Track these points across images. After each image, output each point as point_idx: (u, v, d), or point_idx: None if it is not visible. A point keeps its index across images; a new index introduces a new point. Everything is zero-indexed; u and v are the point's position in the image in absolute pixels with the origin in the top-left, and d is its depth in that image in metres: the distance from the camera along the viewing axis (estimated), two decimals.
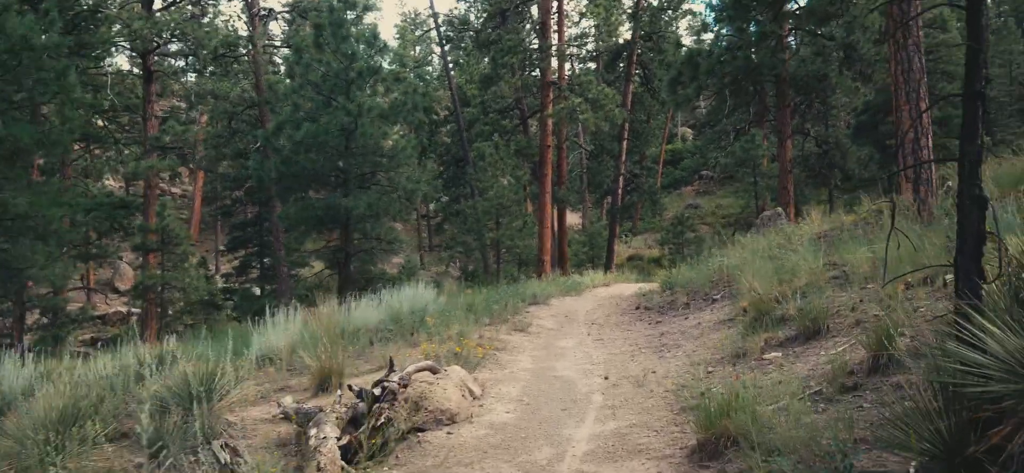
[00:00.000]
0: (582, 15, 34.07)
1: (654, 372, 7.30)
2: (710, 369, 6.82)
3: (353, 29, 17.44)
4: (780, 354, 6.49)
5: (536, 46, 28.49)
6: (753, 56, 21.20)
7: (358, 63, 16.75)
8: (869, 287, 7.54)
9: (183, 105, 38.59)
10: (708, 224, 48.67)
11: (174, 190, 54.53)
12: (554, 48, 27.01)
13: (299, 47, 17.30)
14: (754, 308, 7.98)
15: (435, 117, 49.73)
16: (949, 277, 6.49)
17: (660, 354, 8.36)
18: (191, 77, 35.48)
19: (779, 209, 17.75)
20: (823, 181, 36.05)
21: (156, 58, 29.19)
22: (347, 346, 8.37)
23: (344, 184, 17.21)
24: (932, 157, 12.29)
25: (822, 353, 6.05)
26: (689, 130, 69.85)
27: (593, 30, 43.14)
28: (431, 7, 52.52)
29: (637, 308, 12.69)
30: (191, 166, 37.38)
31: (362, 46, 16.96)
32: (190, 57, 29.80)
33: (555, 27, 28.90)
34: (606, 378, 7.36)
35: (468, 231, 25.97)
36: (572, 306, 14.51)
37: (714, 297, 11.01)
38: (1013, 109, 43.21)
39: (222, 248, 42.45)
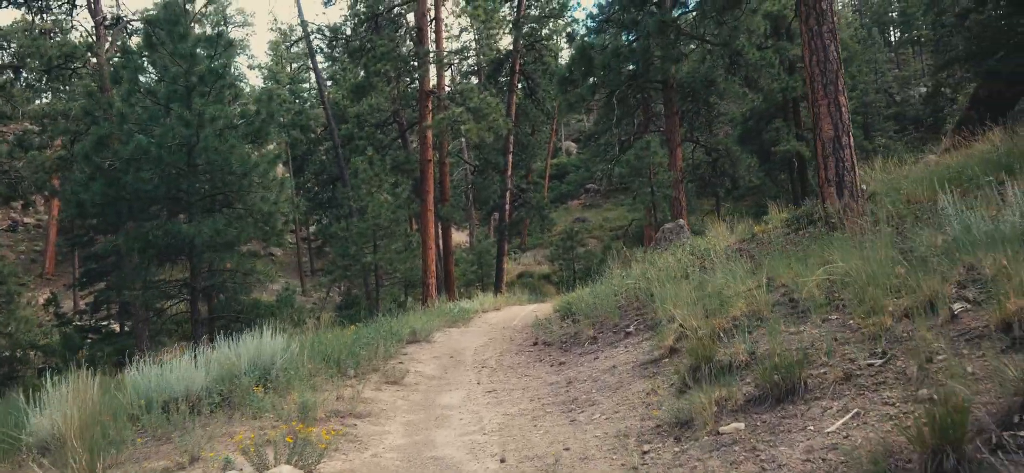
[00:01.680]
0: (460, 17, 32.13)
1: (567, 449, 5.36)
2: (646, 449, 4.93)
3: (195, 27, 14.87)
4: (743, 426, 4.65)
5: (412, 53, 26.36)
6: (655, 53, 19.70)
7: (199, 66, 14.21)
8: (834, 319, 5.88)
9: (36, 128, 34.39)
10: (596, 238, 47.86)
11: (27, 219, 49.27)
12: (432, 55, 24.99)
13: (126, 48, 14.57)
14: (689, 351, 6.17)
15: (312, 135, 46.81)
16: (957, 306, 4.88)
17: (571, 415, 6.44)
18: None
19: (681, 222, 16.36)
20: (709, 191, 35.53)
21: None
22: (124, 440, 6.07)
23: (187, 208, 14.60)
24: (854, 156, 11.01)
25: (810, 426, 4.25)
26: (573, 144, 69.43)
27: (473, 41, 41.50)
28: (300, 16, 49.35)
29: (535, 343, 10.78)
30: (40, 194, 33.11)
31: (202, 47, 14.41)
32: (16, 69, 26.02)
33: (433, 34, 26.93)
34: (503, 462, 5.36)
35: (343, 254, 23.51)
36: (459, 342, 12.47)
37: (626, 329, 9.23)
38: (888, 114, 44.37)
39: (76, 284, 38.17)
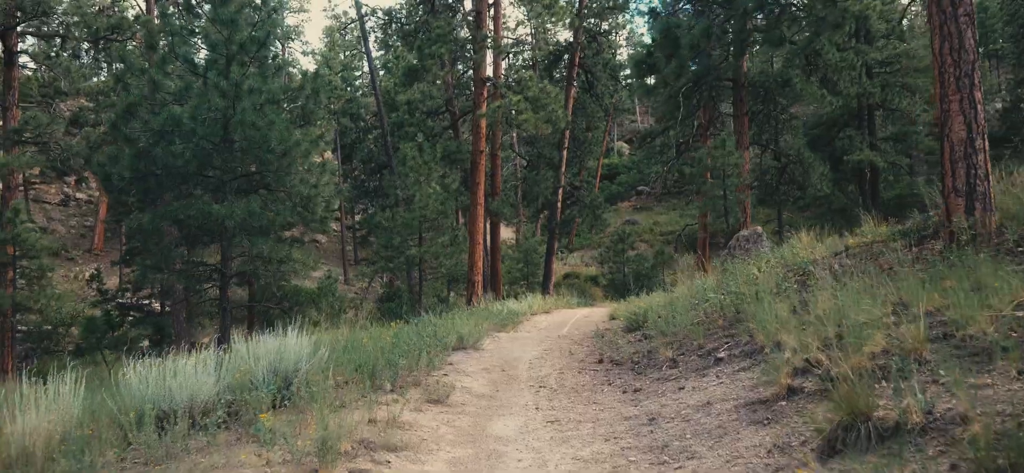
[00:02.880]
0: (519, 6, 30.68)
1: None
2: None
3: None
4: None
5: (469, 38, 24.99)
6: (730, 45, 18.02)
7: (240, 33, 13.03)
8: None
9: (91, 105, 34.03)
10: (646, 242, 46.17)
11: (79, 194, 49.31)
12: (490, 40, 23.61)
13: (164, 12, 13.46)
14: (838, 403, 4.56)
15: (362, 123, 45.90)
16: None
17: (663, 470, 4.99)
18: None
19: (758, 229, 14.74)
20: (771, 199, 33.51)
21: (20, 38, 24.69)
22: (102, 464, 4.79)
23: (220, 187, 13.45)
24: (989, 163, 9.32)
25: None
26: (626, 145, 67.70)
27: (530, 36, 40.07)
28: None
29: (600, 361, 9.32)
30: (90, 170, 32.61)
31: (246, 10, 13.22)
32: (61, 39, 25.32)
33: (491, 18, 25.55)
34: None
35: (387, 245, 22.29)
36: (510, 351, 11.07)
37: (715, 353, 7.71)
38: None
39: (120, 260, 37.70)
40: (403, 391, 7.38)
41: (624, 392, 7.52)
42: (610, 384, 8.02)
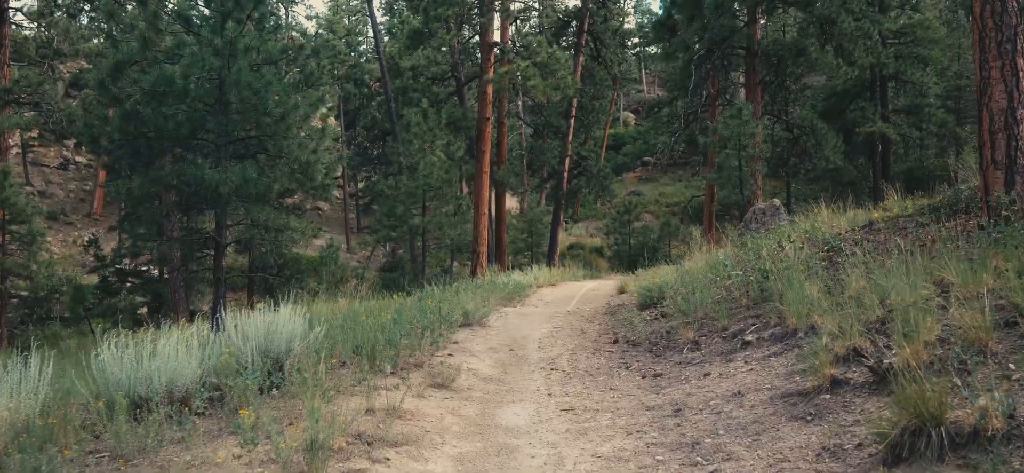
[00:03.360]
0: None
1: None
2: None
3: None
4: None
5: (475, 0, 24.17)
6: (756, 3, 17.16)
7: None
8: None
9: (90, 67, 33.30)
10: (652, 213, 45.54)
11: (79, 158, 48.68)
12: (498, 1, 22.82)
13: None
14: (904, 404, 3.96)
15: (366, 90, 45.09)
16: None
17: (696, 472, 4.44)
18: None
19: (776, 201, 14.13)
20: (778, 172, 32.70)
21: None
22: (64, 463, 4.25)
23: (216, 152, 12.84)
24: None
25: None
26: (632, 115, 66.89)
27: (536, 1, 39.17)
28: None
29: (615, 341, 8.76)
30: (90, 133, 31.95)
31: None
32: None
33: None
34: None
35: (390, 214, 21.70)
36: (518, 328, 10.51)
37: (742, 336, 7.14)
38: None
39: (119, 226, 37.10)
40: (405, 375, 6.83)
41: (643, 377, 6.97)
42: (627, 367, 7.46)
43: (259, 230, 14.06)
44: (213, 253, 13.37)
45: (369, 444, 4.82)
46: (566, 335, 9.72)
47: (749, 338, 6.91)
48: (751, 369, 6.22)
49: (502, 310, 12.63)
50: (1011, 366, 4.41)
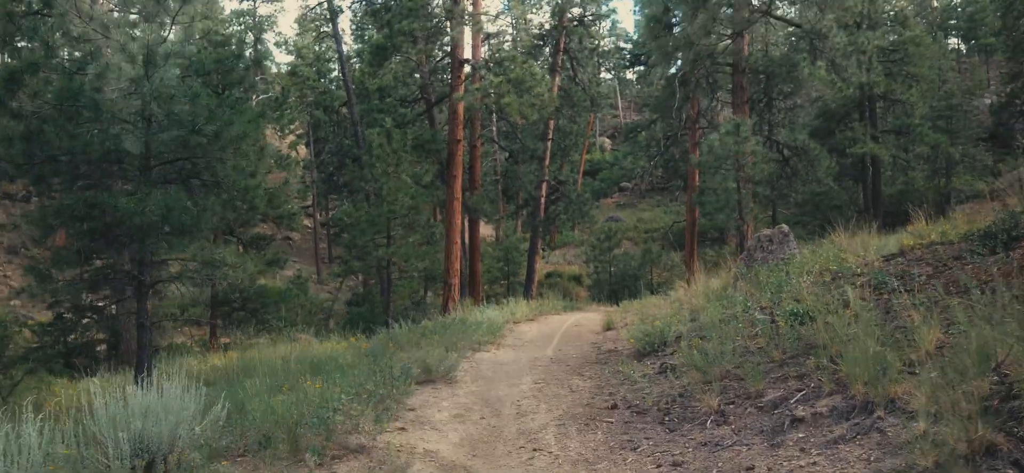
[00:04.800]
0: None
1: None
2: None
3: None
4: None
5: (443, 12, 22.46)
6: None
7: None
8: None
9: None
10: (631, 240, 44.05)
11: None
12: (468, 14, 21.16)
13: None
14: None
15: (335, 115, 43.34)
16: None
17: None
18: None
19: (784, 227, 12.48)
20: (765, 196, 31.23)
21: None
22: None
23: (140, 176, 10.96)
24: None
25: None
26: (608, 140, 65.73)
27: (510, 24, 37.73)
28: None
29: (614, 407, 6.95)
30: None
31: None
32: None
33: None
34: None
35: (352, 245, 19.83)
36: (490, 385, 8.68)
37: (791, 408, 5.34)
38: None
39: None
40: (336, 464, 5.01)
41: (659, 466, 5.18)
42: (635, 448, 5.67)
43: (194, 264, 12.14)
44: (134, 295, 11.44)
45: None
46: (551, 394, 7.91)
47: (800, 413, 5.15)
48: (814, 463, 4.47)
49: (474, 357, 10.81)
50: None
